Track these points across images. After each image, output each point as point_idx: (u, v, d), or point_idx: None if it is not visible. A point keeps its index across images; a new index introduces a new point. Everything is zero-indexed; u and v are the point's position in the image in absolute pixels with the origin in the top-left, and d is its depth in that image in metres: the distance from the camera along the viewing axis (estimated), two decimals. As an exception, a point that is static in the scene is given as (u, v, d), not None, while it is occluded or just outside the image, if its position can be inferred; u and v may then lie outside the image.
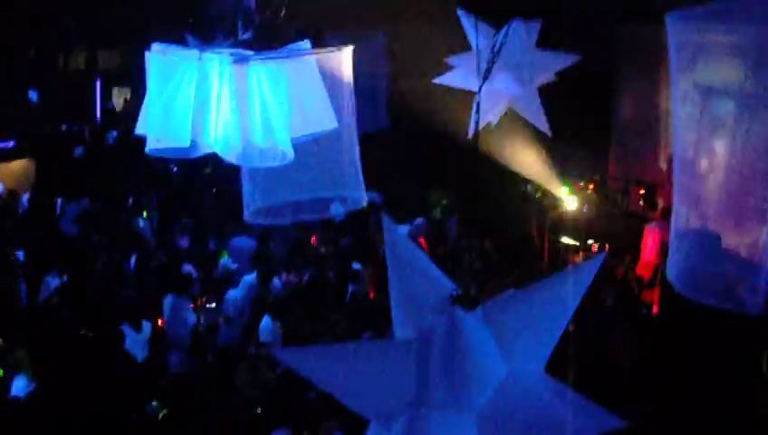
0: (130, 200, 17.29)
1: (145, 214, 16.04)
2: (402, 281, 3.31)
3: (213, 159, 7.65)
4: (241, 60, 7.23)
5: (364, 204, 8.52)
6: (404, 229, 14.64)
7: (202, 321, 11.19)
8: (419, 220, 15.90)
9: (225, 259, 13.64)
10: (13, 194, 17.47)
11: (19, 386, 9.26)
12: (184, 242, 14.59)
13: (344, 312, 11.39)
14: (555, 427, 2.98)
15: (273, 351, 9.99)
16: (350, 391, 3.05)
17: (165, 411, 8.60)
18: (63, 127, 23.14)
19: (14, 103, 21.56)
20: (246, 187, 8.04)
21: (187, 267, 12.62)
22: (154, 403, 8.71)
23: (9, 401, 9.09)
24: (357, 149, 8.18)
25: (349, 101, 7.97)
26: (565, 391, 3.23)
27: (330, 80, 7.74)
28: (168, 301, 11.12)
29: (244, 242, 13.98)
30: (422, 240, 14.57)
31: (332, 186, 8.13)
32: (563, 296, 3.18)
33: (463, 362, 2.95)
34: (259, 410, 8.65)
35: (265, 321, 10.69)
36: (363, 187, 8.27)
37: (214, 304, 11.61)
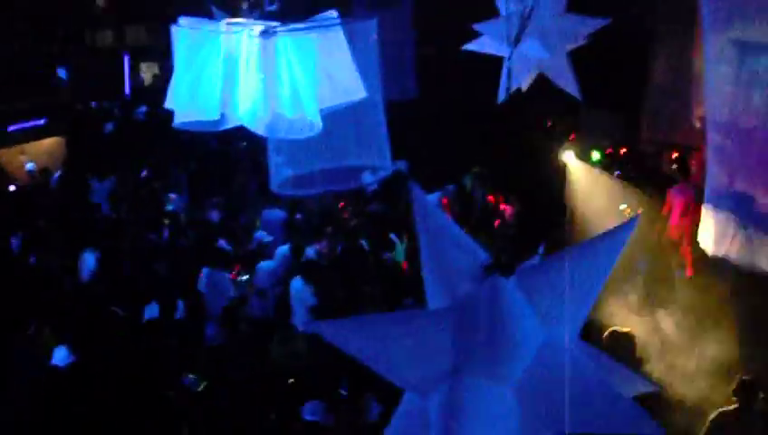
0: (160, 175, 17.39)
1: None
2: (433, 250, 3.28)
3: (248, 132, 7.63)
4: (267, 32, 7.20)
5: (389, 172, 8.48)
6: (433, 198, 14.62)
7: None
8: (450, 187, 15.88)
9: (258, 232, 13.69)
10: (45, 172, 17.61)
11: (60, 356, 9.44)
12: (214, 216, 14.64)
13: (377, 281, 11.39)
14: (592, 393, 2.95)
15: (306, 324, 10.03)
16: (386, 361, 3.02)
17: (204, 384, 8.68)
18: (93, 104, 23.26)
19: (45, 81, 21.69)
20: (272, 157, 8.04)
21: (221, 241, 12.69)
22: (191, 376, 8.78)
23: (49, 368, 9.25)
24: (383, 118, 8.14)
25: (375, 70, 7.92)
26: (599, 357, 3.20)
27: (356, 49, 7.70)
28: (204, 274, 11.18)
29: (276, 214, 14.01)
30: (448, 207, 14.56)
31: (359, 155, 8.11)
32: (598, 261, 3.14)
33: (502, 332, 2.92)
34: (292, 381, 8.69)
35: (296, 282, 10.73)
36: (389, 155, 8.23)
37: (246, 277, 11.66)
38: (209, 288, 11.05)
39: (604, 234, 3.22)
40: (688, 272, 11.63)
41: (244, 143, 17.52)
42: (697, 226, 5.92)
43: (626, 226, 3.22)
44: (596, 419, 2.92)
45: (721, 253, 5.57)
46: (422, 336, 3.00)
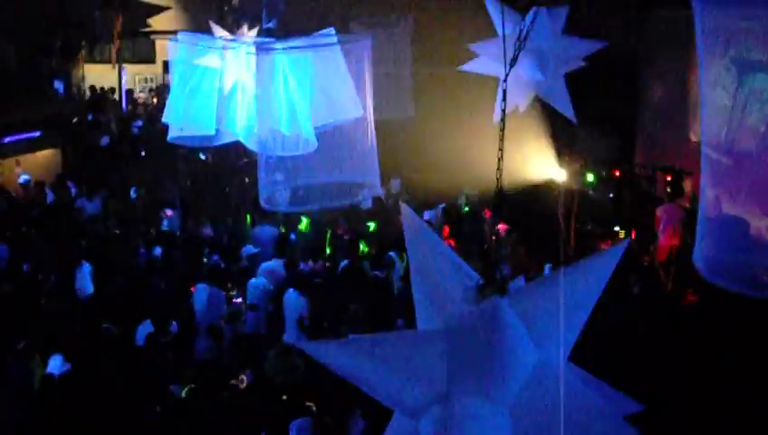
0: (154, 190, 17.42)
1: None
2: (423, 270, 3.27)
3: (243, 147, 7.65)
4: (265, 49, 7.23)
5: (379, 190, 8.50)
6: (427, 216, 14.67)
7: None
8: (441, 206, 15.94)
9: (246, 247, 13.71)
10: (39, 185, 17.60)
11: (55, 365, 9.45)
12: (208, 231, 14.66)
13: (365, 300, 11.40)
14: (584, 415, 2.95)
15: (298, 343, 10.02)
16: (377, 383, 3.01)
17: (188, 387, 8.65)
18: (89, 117, 23.29)
19: (40, 94, 21.72)
20: (262, 174, 8.04)
21: (214, 257, 12.71)
22: (180, 387, 8.76)
23: (45, 376, 9.22)
24: (372, 135, 8.14)
25: (368, 89, 7.95)
26: (590, 379, 3.20)
27: (351, 67, 7.72)
28: (200, 290, 11.16)
29: (267, 231, 14.03)
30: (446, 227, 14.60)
31: (348, 171, 8.10)
32: (589, 283, 3.14)
33: (497, 353, 2.91)
34: (285, 397, 8.66)
35: (290, 295, 10.75)
36: (378, 172, 8.24)
37: (240, 298, 11.65)
38: (202, 305, 11.03)
39: (595, 255, 3.23)
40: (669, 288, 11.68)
41: (245, 160, 17.50)
42: (686, 246, 5.95)
43: (616, 247, 3.23)
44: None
45: (714, 277, 5.58)
46: (414, 357, 2.99)
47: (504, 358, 2.91)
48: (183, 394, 8.69)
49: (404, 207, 3.34)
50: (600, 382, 3.19)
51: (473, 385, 2.94)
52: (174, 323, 10.31)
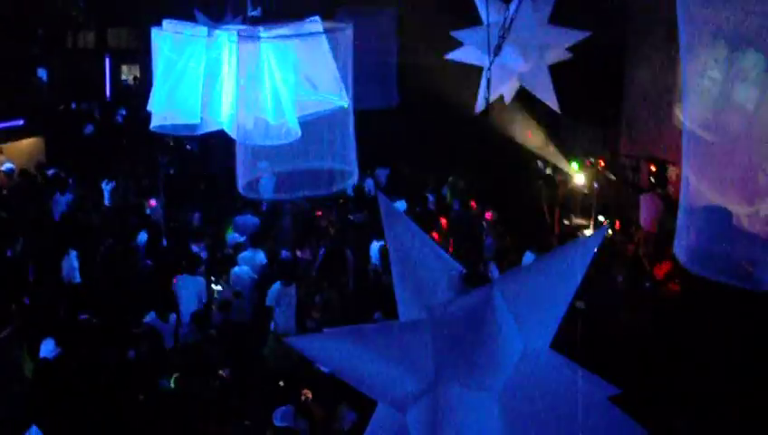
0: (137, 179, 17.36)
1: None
2: (403, 260, 3.25)
3: (225, 136, 7.61)
4: (250, 37, 7.19)
5: (356, 179, 8.47)
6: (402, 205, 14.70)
7: (215, 297, 11.31)
8: (429, 196, 15.95)
9: (231, 235, 13.72)
10: (24, 173, 17.52)
11: (47, 348, 9.57)
12: (196, 219, 14.67)
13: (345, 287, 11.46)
14: (569, 398, 2.97)
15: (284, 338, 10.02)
16: (364, 376, 3.01)
17: (175, 376, 8.68)
18: (73, 105, 23.18)
19: (24, 82, 21.59)
20: (240, 160, 7.99)
21: (195, 247, 12.72)
22: (168, 380, 8.79)
23: (40, 361, 9.38)
24: (351, 123, 8.09)
25: (348, 77, 7.91)
26: (572, 366, 3.21)
27: (336, 56, 7.68)
28: (181, 280, 11.20)
29: (249, 219, 14.03)
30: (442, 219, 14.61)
31: (326, 158, 8.04)
32: (569, 270, 3.15)
33: (486, 341, 2.91)
34: (282, 383, 8.73)
35: (275, 286, 10.81)
36: (356, 162, 8.20)
37: (219, 286, 11.66)
38: (184, 292, 11.06)
39: (574, 242, 3.24)
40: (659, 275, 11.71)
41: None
42: (667, 236, 5.94)
43: (595, 234, 3.25)
44: (580, 424, 2.94)
45: (697, 268, 5.58)
46: (399, 349, 2.98)
47: (495, 346, 2.91)
48: (171, 384, 8.72)
49: (381, 198, 3.31)
50: (578, 367, 3.20)
51: (461, 374, 2.94)
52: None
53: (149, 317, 10.18)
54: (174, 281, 11.24)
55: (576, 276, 3.14)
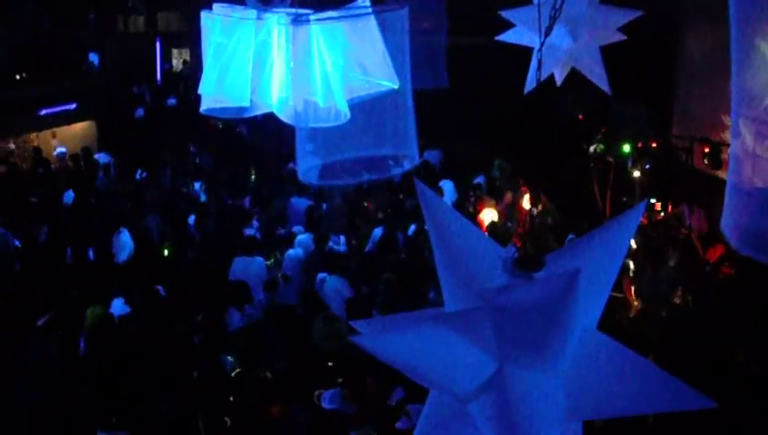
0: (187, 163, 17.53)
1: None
2: (446, 248, 3.18)
3: (276, 120, 7.63)
4: (300, 19, 7.18)
5: (417, 162, 8.43)
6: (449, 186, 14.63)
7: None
8: (479, 179, 15.87)
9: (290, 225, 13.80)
10: (75, 158, 17.74)
11: (117, 306, 10.06)
12: (246, 203, 14.77)
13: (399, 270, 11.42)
14: (631, 375, 2.94)
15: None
16: (422, 367, 2.97)
17: (238, 371, 8.76)
18: (135, 89, 23.43)
19: (76, 66, 21.85)
20: (300, 146, 8.02)
21: (250, 229, 12.82)
22: (230, 358, 8.87)
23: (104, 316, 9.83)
24: (411, 107, 8.07)
25: (405, 59, 7.87)
26: (619, 346, 3.16)
27: (387, 38, 7.65)
28: (238, 262, 11.30)
29: (304, 203, 14.09)
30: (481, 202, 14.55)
31: (388, 144, 8.03)
32: (613, 247, 3.12)
33: (560, 325, 2.86)
34: (330, 364, 8.77)
35: (320, 277, 10.87)
36: (417, 145, 8.18)
37: (271, 261, 11.77)
38: (243, 274, 11.13)
39: (614, 220, 3.20)
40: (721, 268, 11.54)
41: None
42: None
43: (635, 210, 3.20)
44: (645, 398, 2.90)
45: (745, 248, 5.47)
46: (460, 339, 2.94)
47: (571, 329, 2.87)
48: (233, 373, 8.79)
49: (418, 184, 3.26)
50: (625, 347, 3.16)
51: (530, 359, 2.91)
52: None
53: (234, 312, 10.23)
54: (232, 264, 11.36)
55: (618, 254, 3.13)
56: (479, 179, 16.09)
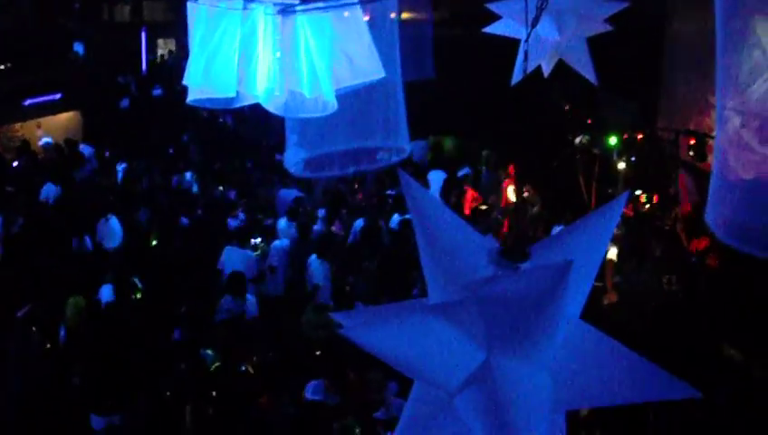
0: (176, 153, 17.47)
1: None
2: (430, 239, 3.18)
3: (263, 110, 7.62)
4: (286, 10, 7.16)
5: (407, 154, 8.43)
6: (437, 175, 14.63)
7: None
8: (465, 170, 15.88)
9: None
10: (58, 147, 17.67)
11: (105, 293, 10.13)
12: (232, 194, 14.74)
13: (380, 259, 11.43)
14: (604, 368, 2.96)
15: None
16: (407, 358, 2.96)
17: (217, 365, 8.73)
18: (121, 79, 23.34)
19: (61, 56, 21.74)
20: (289, 138, 8.01)
21: (232, 221, 12.81)
22: (209, 352, 8.84)
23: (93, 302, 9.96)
24: (401, 99, 8.07)
25: (394, 50, 7.86)
26: (604, 336, 3.17)
27: (374, 28, 7.63)
28: (228, 252, 11.28)
29: (293, 193, 14.08)
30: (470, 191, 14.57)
31: (377, 136, 8.03)
32: (596, 236, 3.14)
33: (551, 315, 2.87)
34: (319, 353, 8.78)
35: (311, 260, 10.89)
36: (407, 137, 8.18)
37: (258, 252, 11.75)
38: (232, 266, 11.11)
39: (597, 211, 3.22)
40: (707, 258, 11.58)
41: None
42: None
43: (617, 201, 3.22)
44: (629, 388, 2.92)
45: (730, 239, 5.48)
46: (446, 331, 2.94)
47: (560, 319, 2.88)
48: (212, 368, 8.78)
49: (403, 175, 3.24)
50: (608, 337, 3.18)
51: (518, 349, 2.91)
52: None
53: (226, 302, 10.16)
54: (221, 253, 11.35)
55: (604, 243, 3.15)
56: (465, 171, 16.10)
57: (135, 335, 9.38)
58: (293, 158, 8.02)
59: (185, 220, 13.31)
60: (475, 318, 2.93)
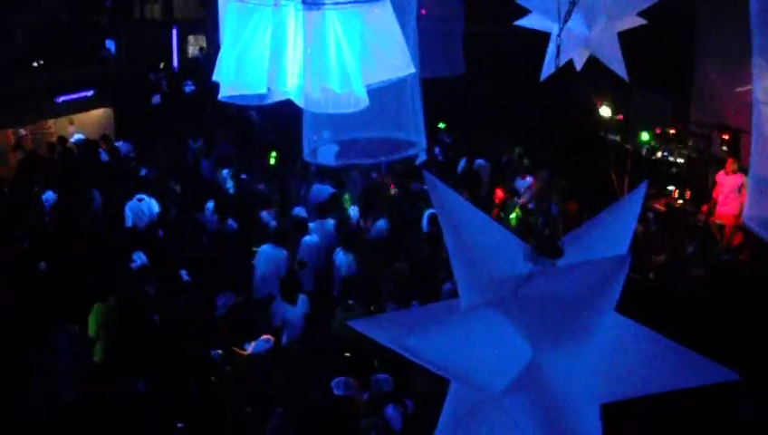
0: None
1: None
2: (459, 239, 3.15)
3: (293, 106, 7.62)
4: (315, 5, 7.16)
5: (424, 147, 8.42)
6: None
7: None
8: (481, 161, 15.91)
9: (298, 209, 13.76)
10: (89, 144, 17.77)
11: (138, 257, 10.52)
12: (261, 187, 14.76)
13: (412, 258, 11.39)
14: (658, 354, 2.94)
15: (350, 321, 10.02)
16: (447, 361, 2.93)
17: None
18: (151, 76, 23.47)
19: (93, 53, 21.89)
20: (307, 126, 8.00)
21: (266, 215, 12.81)
22: (219, 352, 8.84)
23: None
24: (419, 93, 8.03)
25: (413, 44, 7.84)
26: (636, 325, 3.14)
27: (402, 23, 7.62)
28: (263, 249, 11.29)
29: (326, 189, 14.09)
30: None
31: (394, 128, 8.00)
32: (621, 227, 3.15)
33: (601, 310, 2.85)
34: (348, 354, 8.78)
35: (338, 253, 10.98)
36: (424, 131, 8.14)
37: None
38: (266, 265, 11.13)
39: (620, 201, 3.20)
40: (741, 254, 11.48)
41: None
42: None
43: (637, 192, 3.20)
44: (669, 376, 2.90)
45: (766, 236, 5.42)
46: (494, 333, 2.91)
47: (602, 314, 2.86)
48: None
49: (428, 177, 3.21)
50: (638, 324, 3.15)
51: (560, 347, 2.89)
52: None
53: (276, 303, 10.16)
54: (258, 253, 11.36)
55: (628, 233, 3.13)
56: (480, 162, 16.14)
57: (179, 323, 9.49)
58: (309, 146, 8.03)
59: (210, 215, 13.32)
60: (517, 318, 2.90)
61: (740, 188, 12.14)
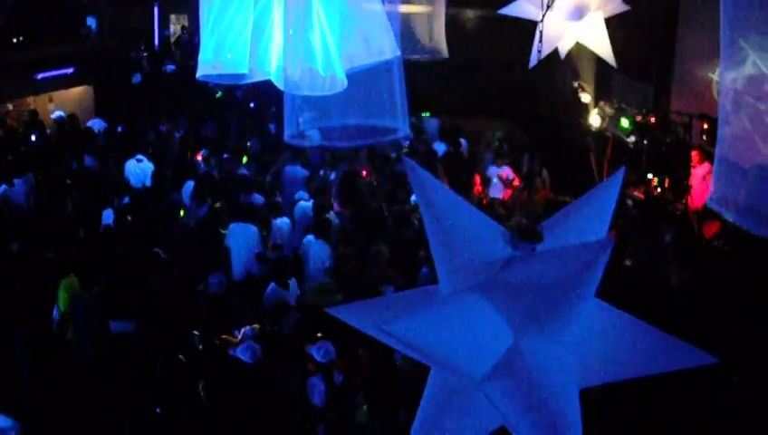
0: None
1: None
2: (439, 223, 3.13)
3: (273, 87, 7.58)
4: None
5: (407, 133, 8.39)
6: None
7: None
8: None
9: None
10: (71, 119, 17.64)
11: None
12: (244, 171, 14.65)
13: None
14: (637, 338, 2.96)
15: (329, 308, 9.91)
16: (426, 347, 2.92)
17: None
18: (133, 54, 23.28)
19: (74, 30, 21.69)
20: (288, 108, 7.94)
21: (257, 197, 12.74)
22: (196, 333, 8.78)
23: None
24: (401, 78, 7.99)
25: (396, 30, 7.80)
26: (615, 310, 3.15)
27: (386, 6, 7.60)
28: (232, 228, 11.20)
29: (298, 171, 14.01)
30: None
31: (378, 114, 7.96)
32: (599, 213, 3.17)
33: (581, 294, 2.86)
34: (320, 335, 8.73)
35: (310, 240, 10.94)
36: (408, 118, 8.11)
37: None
38: (237, 243, 11.04)
39: (598, 187, 3.22)
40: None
41: (274, 109, 17.34)
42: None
43: (615, 176, 3.22)
44: (648, 359, 2.92)
45: (743, 222, 5.47)
46: (473, 317, 2.91)
47: (582, 298, 2.87)
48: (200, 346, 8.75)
49: (407, 162, 3.20)
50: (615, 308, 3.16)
51: (542, 331, 2.90)
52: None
53: (270, 288, 10.08)
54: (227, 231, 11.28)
55: (606, 218, 3.16)
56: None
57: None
58: (290, 128, 7.99)
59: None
60: (498, 302, 2.90)
61: (705, 177, 12.21)
